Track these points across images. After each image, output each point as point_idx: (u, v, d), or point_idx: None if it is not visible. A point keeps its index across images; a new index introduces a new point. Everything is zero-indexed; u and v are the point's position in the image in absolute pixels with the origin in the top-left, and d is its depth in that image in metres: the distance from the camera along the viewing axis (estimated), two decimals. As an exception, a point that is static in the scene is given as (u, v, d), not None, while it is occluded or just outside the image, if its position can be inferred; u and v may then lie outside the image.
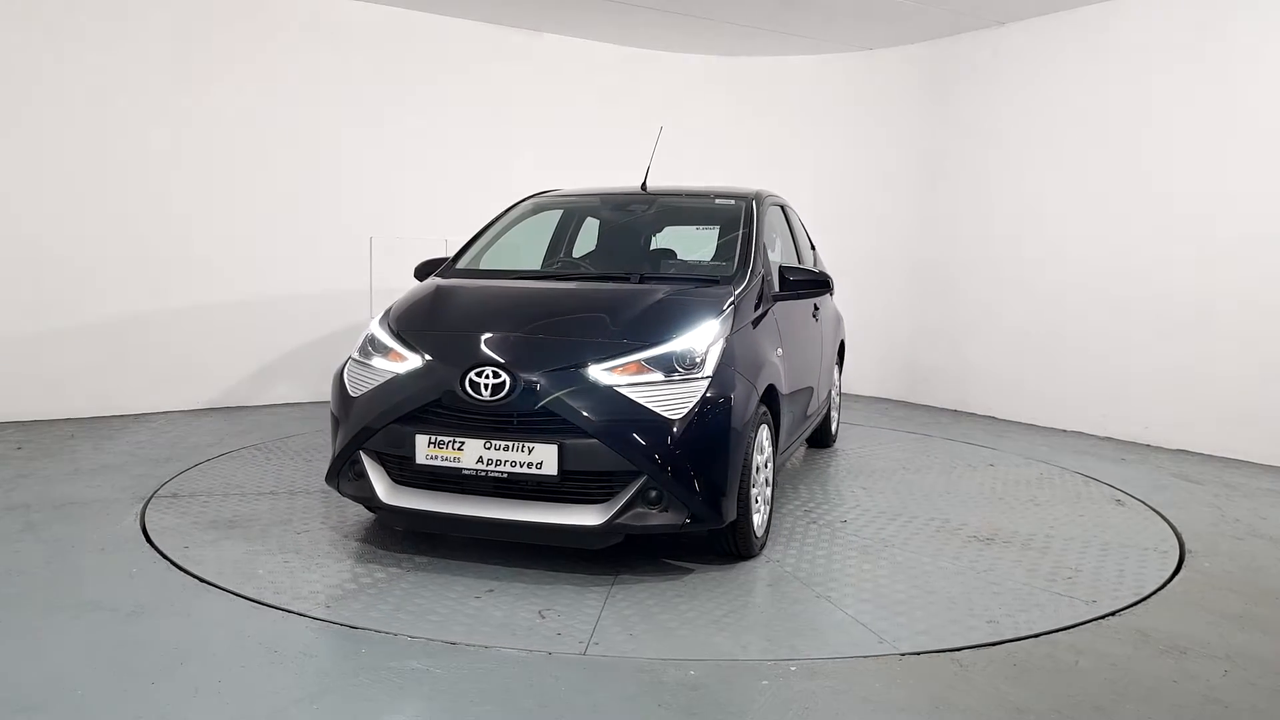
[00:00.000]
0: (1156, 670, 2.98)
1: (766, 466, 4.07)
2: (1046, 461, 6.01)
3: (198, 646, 2.98)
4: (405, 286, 4.76)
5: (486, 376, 3.56)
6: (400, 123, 7.69)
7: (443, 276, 4.60)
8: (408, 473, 3.68)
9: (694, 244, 5.17)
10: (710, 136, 8.80)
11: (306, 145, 7.33)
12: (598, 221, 5.42)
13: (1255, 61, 6.03)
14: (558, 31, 8.28)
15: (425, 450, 3.59)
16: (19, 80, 6.29)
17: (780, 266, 4.60)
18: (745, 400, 3.73)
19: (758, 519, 3.95)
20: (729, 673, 2.89)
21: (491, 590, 3.51)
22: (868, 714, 2.67)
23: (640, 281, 4.25)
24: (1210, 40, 6.25)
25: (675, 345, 3.67)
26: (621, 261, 4.86)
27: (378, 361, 3.86)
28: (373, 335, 4.02)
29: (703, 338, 3.73)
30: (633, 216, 5.29)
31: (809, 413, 5.22)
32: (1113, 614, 3.43)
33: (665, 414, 3.50)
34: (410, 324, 4.00)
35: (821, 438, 6.11)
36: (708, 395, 3.57)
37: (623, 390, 3.53)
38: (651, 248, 5.10)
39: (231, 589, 3.45)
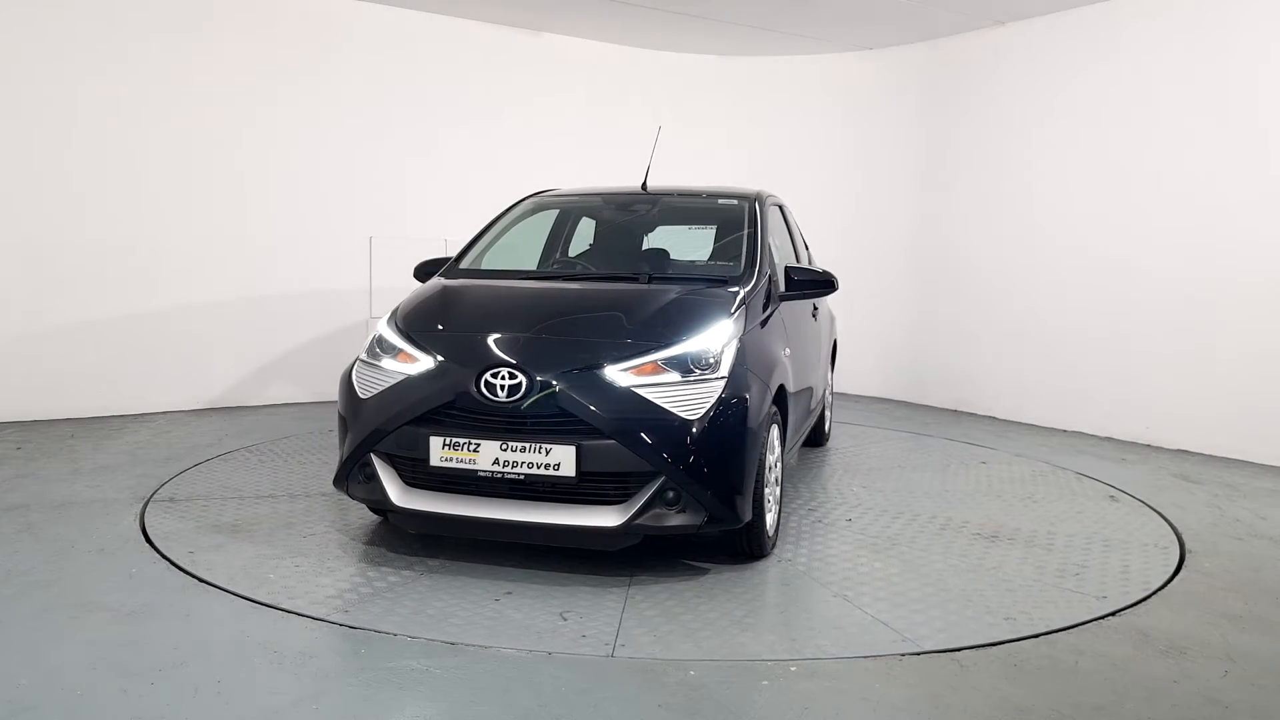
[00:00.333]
0: (1156, 670, 2.98)
1: (776, 466, 4.08)
2: (1037, 459, 6.06)
3: (198, 646, 2.98)
4: (405, 286, 4.76)
5: (502, 378, 3.54)
6: (400, 122, 7.69)
7: (447, 277, 4.56)
8: (420, 475, 3.64)
9: (691, 244, 5.16)
10: (710, 136, 8.80)
11: (306, 145, 7.33)
12: (601, 222, 5.40)
13: (1256, 60, 6.03)
14: (558, 31, 8.28)
15: (440, 452, 3.55)
16: (18, 80, 6.29)
17: (786, 266, 4.61)
18: (760, 400, 3.74)
19: (769, 518, 3.96)
20: (729, 673, 2.89)
21: (509, 593, 3.49)
22: (868, 714, 2.66)
23: (649, 282, 4.24)
24: (1211, 39, 6.25)
25: (691, 345, 3.66)
26: (627, 262, 4.85)
27: (387, 363, 3.82)
28: (381, 336, 3.98)
29: (717, 338, 3.73)
30: (636, 216, 5.28)
31: (810, 411, 5.25)
32: (1113, 614, 3.43)
33: (684, 415, 3.49)
34: (420, 325, 3.96)
35: (816, 436, 6.13)
36: (724, 396, 3.57)
37: (640, 391, 3.52)
38: (657, 248, 5.09)
39: (244, 594, 3.40)
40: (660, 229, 5.39)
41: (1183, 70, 6.39)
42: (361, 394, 3.81)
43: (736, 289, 4.14)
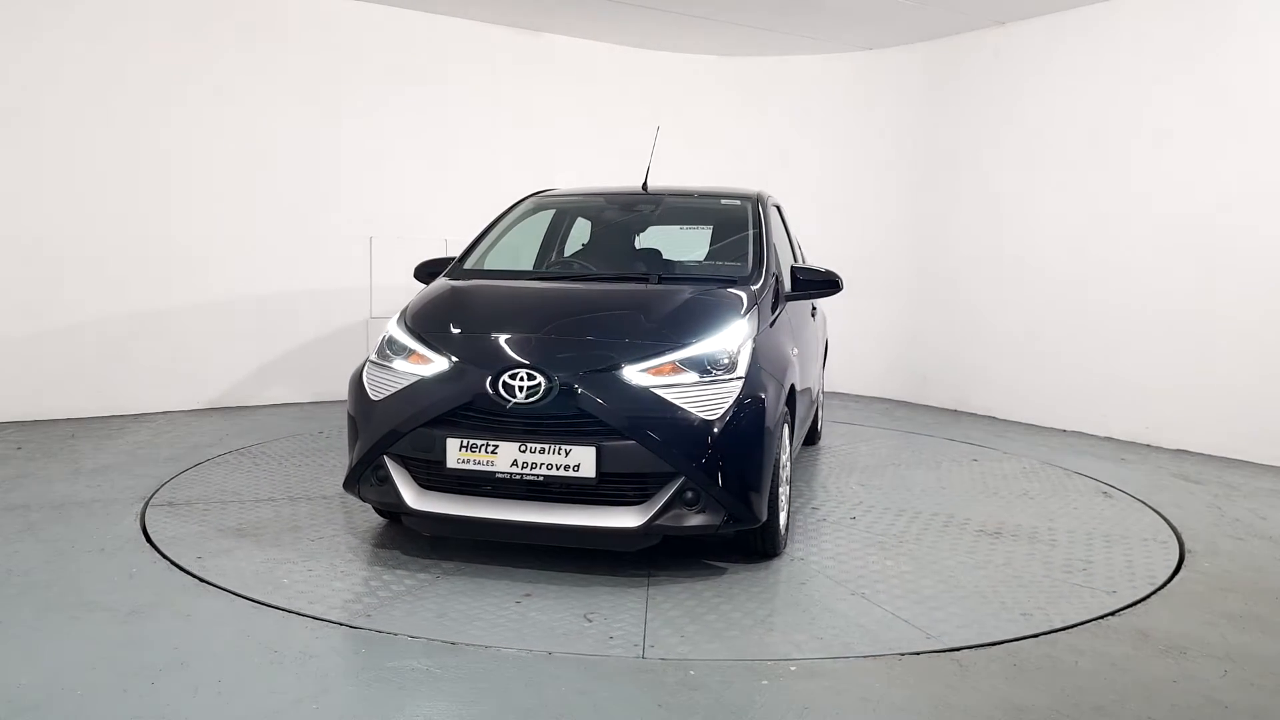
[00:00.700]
0: (1156, 670, 2.98)
1: (787, 465, 4.10)
2: (1028, 456, 6.11)
3: (198, 646, 2.98)
4: (405, 286, 4.75)
5: (521, 379, 3.52)
6: (400, 123, 7.69)
7: (452, 277, 4.53)
8: (436, 477, 3.61)
9: (695, 244, 5.16)
10: (710, 136, 8.80)
11: (307, 145, 7.33)
12: (605, 222, 5.38)
13: (1256, 60, 6.03)
14: (558, 31, 8.28)
15: (457, 454, 3.52)
16: (19, 80, 6.29)
17: (792, 266, 4.61)
18: (775, 400, 3.75)
19: (783, 517, 3.97)
20: (729, 673, 2.89)
21: (528, 594, 3.48)
22: (867, 714, 2.66)
23: (658, 282, 4.24)
24: (1211, 39, 6.25)
25: (708, 346, 3.67)
26: (634, 262, 4.85)
27: (399, 364, 3.78)
28: (392, 337, 3.94)
29: (733, 338, 3.74)
30: (640, 216, 5.28)
31: (810, 410, 5.26)
32: (1114, 614, 3.44)
33: (704, 415, 3.49)
34: (432, 325, 3.93)
35: (810, 435, 6.15)
36: (742, 396, 3.57)
37: (659, 391, 3.51)
38: (661, 248, 5.09)
39: (261, 600, 3.36)
40: (665, 229, 5.39)
41: (1183, 70, 6.39)
42: (373, 395, 3.77)
43: (748, 289, 4.14)
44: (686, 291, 4.07)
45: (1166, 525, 4.63)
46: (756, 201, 4.91)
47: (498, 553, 3.89)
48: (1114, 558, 4.10)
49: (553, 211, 5.31)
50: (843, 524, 4.50)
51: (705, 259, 4.89)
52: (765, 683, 2.83)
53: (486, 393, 3.53)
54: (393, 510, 3.81)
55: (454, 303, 4.17)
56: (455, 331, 3.87)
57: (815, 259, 6.09)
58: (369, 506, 4.36)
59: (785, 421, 3.97)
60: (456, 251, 4.95)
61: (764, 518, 3.64)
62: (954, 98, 7.94)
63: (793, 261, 5.48)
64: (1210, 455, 6.22)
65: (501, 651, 3.00)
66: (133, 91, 6.66)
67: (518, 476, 3.49)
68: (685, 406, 3.49)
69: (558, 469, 3.46)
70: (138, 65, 6.67)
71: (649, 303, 3.98)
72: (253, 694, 2.68)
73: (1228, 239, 6.15)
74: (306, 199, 7.36)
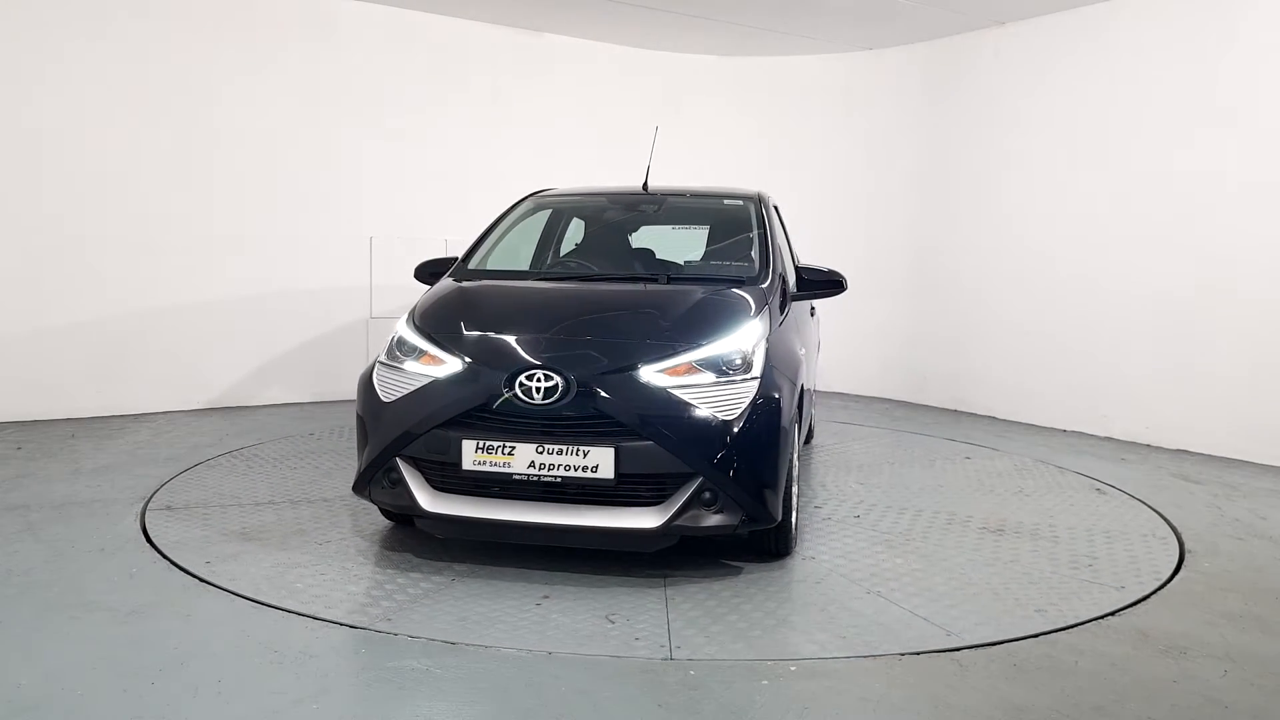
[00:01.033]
0: (1156, 670, 2.98)
1: (795, 464, 4.10)
2: (1019, 454, 6.17)
3: (198, 646, 2.98)
4: (405, 286, 4.75)
5: (538, 380, 3.50)
6: (400, 122, 7.69)
7: (457, 277, 4.50)
8: (451, 479, 3.58)
9: (685, 244, 5.16)
10: (710, 136, 8.80)
11: (307, 145, 7.33)
12: (608, 222, 5.36)
13: (1256, 60, 6.03)
14: (558, 31, 8.28)
15: (473, 456, 3.50)
16: (19, 80, 6.29)
17: (797, 266, 4.62)
18: (790, 400, 3.75)
19: (794, 517, 3.98)
20: (729, 673, 2.89)
21: (547, 596, 3.47)
22: (867, 714, 2.66)
23: (668, 282, 4.24)
24: (1211, 39, 6.24)
25: (723, 346, 3.67)
26: (640, 262, 4.85)
27: (410, 365, 3.75)
28: (401, 338, 3.91)
29: (748, 338, 3.74)
30: (643, 216, 5.28)
31: (810, 409, 5.27)
32: (1114, 614, 3.44)
33: (722, 416, 3.49)
34: (442, 326, 3.90)
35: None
36: (758, 396, 3.57)
37: (677, 392, 3.51)
38: (656, 248, 5.09)
39: (275, 604, 3.32)
40: (662, 229, 5.38)
41: (1183, 70, 6.39)
42: (384, 397, 3.73)
43: (758, 289, 4.14)
44: (699, 292, 4.06)
45: (1163, 521, 4.68)
46: (759, 201, 4.92)
47: (510, 554, 3.87)
48: (1116, 553, 4.14)
49: (555, 212, 5.30)
50: (847, 522, 4.52)
51: (706, 259, 4.87)
52: (765, 683, 2.83)
53: (503, 394, 3.51)
54: (406, 513, 3.77)
55: (464, 303, 4.15)
56: (467, 332, 3.83)
57: (814, 259, 6.09)
58: (372, 509, 4.36)
59: (796, 421, 3.97)
60: (456, 251, 4.94)
61: (779, 517, 3.64)
62: (954, 98, 7.94)
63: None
64: (1210, 455, 6.22)
65: (501, 651, 3.00)
66: (132, 92, 6.66)
67: (535, 478, 3.47)
68: (703, 407, 3.49)
69: (576, 470, 3.44)
70: (137, 66, 6.67)
71: (661, 303, 3.98)
72: (253, 694, 2.68)
73: (1228, 239, 6.14)
74: (306, 199, 7.36)
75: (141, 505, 4.50)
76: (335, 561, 3.79)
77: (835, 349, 7.74)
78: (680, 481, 3.46)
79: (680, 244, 5.17)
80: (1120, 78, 6.75)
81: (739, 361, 3.63)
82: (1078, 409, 7.02)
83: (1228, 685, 2.89)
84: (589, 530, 3.49)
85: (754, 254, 4.52)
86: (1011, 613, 3.42)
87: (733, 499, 3.47)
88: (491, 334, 3.81)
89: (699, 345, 3.65)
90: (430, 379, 3.67)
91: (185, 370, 6.97)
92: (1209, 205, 6.25)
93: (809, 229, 7.62)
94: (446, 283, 4.44)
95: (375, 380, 3.83)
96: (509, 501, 3.54)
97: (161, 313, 6.86)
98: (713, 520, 3.47)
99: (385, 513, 4.17)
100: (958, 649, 3.10)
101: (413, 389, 3.68)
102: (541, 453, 3.46)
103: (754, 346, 3.71)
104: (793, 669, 2.92)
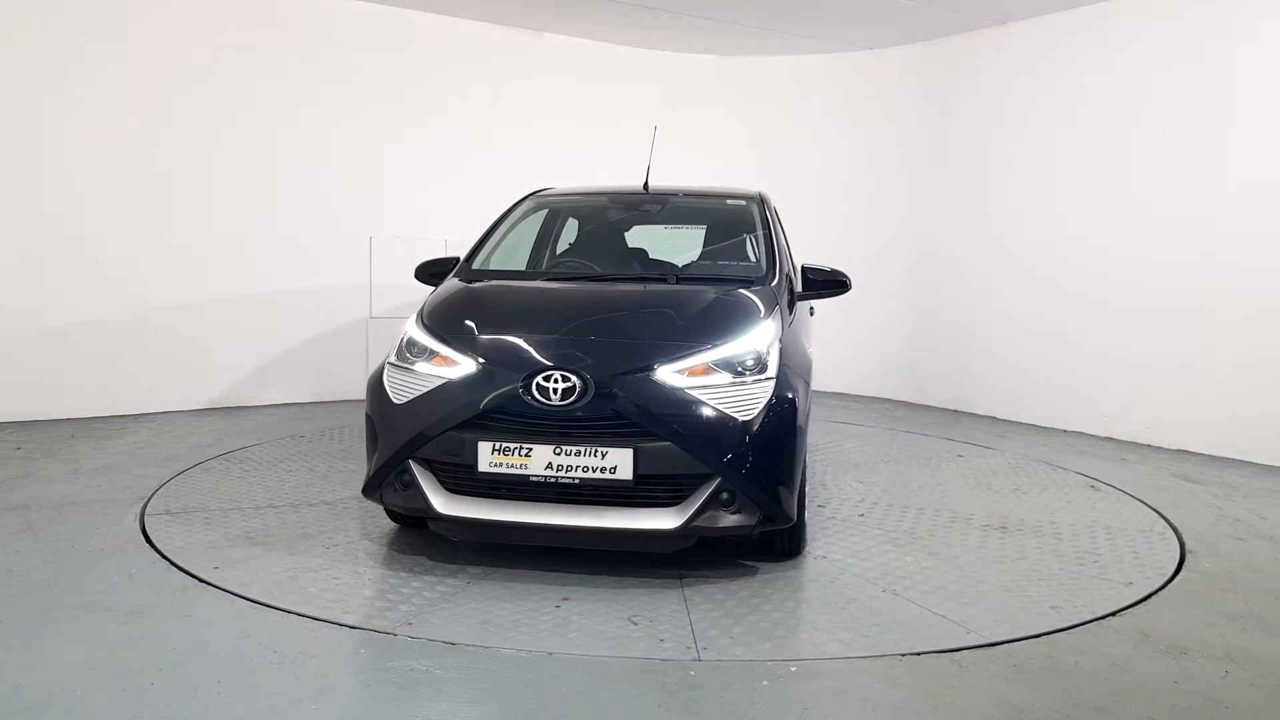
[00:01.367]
0: (1157, 670, 2.98)
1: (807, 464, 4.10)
2: (1007, 451, 6.22)
3: (198, 646, 2.98)
4: (405, 286, 4.73)
5: (555, 380, 3.47)
6: (400, 122, 7.69)
7: (463, 277, 4.46)
8: (466, 481, 3.55)
9: (688, 244, 5.16)
10: (710, 136, 8.79)
11: (307, 145, 7.33)
12: (611, 221, 5.32)
13: (1258, 59, 6.02)
14: (558, 31, 8.28)
15: (489, 457, 3.47)
16: (19, 80, 6.29)
17: (802, 266, 4.61)
18: (804, 399, 3.76)
19: (806, 515, 3.99)
20: (729, 673, 2.89)
21: (566, 598, 3.45)
22: (867, 714, 2.66)
23: (677, 282, 4.23)
24: (1213, 38, 6.24)
25: (739, 346, 3.66)
26: (645, 262, 4.82)
27: (422, 366, 3.71)
28: (412, 339, 3.86)
29: (763, 338, 3.74)
30: (647, 216, 5.27)
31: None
32: (1114, 614, 3.44)
33: (740, 416, 3.48)
34: (454, 327, 3.86)
35: None
36: (774, 396, 3.57)
37: (695, 392, 3.50)
38: (666, 248, 5.08)
39: (293, 610, 3.28)
40: (659, 229, 5.37)
41: (1183, 70, 6.38)
42: (396, 399, 3.68)
43: (768, 289, 4.14)
44: (711, 292, 4.06)
45: (1160, 517, 4.73)
46: (761, 201, 4.92)
47: (523, 557, 3.84)
48: (1119, 549, 4.18)
49: (558, 211, 5.28)
50: (852, 521, 4.53)
51: (713, 259, 4.85)
52: (765, 683, 2.82)
53: (519, 395, 3.49)
54: (418, 515, 3.71)
55: (475, 304, 4.12)
56: (480, 333, 3.80)
57: (814, 259, 6.09)
58: (374, 511, 4.34)
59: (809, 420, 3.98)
60: (456, 251, 4.93)
61: (795, 517, 3.65)
62: (954, 98, 7.94)
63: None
64: (1210, 455, 6.21)
65: (501, 652, 2.99)
66: (132, 93, 6.65)
67: (553, 480, 3.45)
68: (721, 408, 3.49)
69: (594, 471, 3.42)
70: (137, 67, 6.66)
71: (673, 303, 3.97)
72: (252, 694, 2.68)
73: (1229, 239, 6.14)
74: (306, 199, 7.35)
75: (141, 506, 4.49)
76: (347, 565, 3.76)
77: (835, 349, 7.73)
78: (698, 482, 3.45)
79: (681, 244, 5.17)
80: (1120, 77, 6.74)
81: (754, 362, 3.63)
82: (1078, 409, 7.02)
83: (1228, 685, 2.89)
84: (608, 532, 3.47)
85: (760, 254, 4.52)
86: (1027, 609, 3.44)
87: (750, 499, 3.47)
88: (505, 335, 3.78)
89: (714, 346, 3.64)
90: (444, 380, 3.63)
91: (185, 370, 6.97)
92: (1209, 205, 6.24)
93: (809, 229, 7.61)
94: (453, 283, 4.40)
95: (386, 382, 3.78)
96: (526, 503, 3.52)
97: (161, 312, 6.86)
98: (730, 521, 3.47)
99: (392, 515, 4.14)
100: (971, 647, 3.10)
101: (425, 390, 3.64)
102: (559, 454, 3.44)
103: (768, 347, 3.71)
104: (793, 669, 2.92)
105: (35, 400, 6.44)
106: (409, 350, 3.83)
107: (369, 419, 3.82)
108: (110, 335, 6.68)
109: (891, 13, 7.33)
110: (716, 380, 3.54)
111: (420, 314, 4.05)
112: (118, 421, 6.49)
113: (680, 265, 4.70)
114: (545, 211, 5.24)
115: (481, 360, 3.63)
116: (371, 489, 3.75)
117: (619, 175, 6.74)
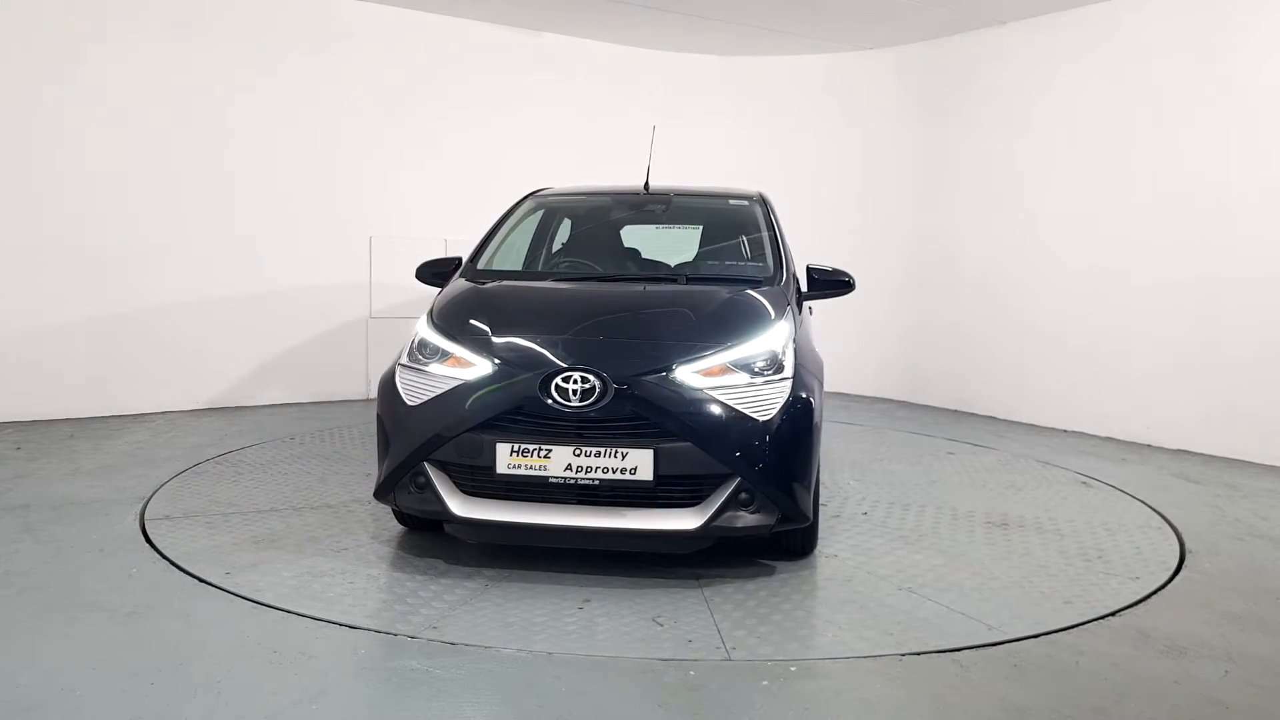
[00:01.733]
0: (1157, 670, 2.98)
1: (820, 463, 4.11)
2: (999, 449, 6.27)
3: (197, 646, 2.98)
4: (405, 286, 4.73)
5: (575, 381, 3.45)
6: (400, 122, 7.69)
7: (469, 278, 4.43)
8: (483, 483, 3.52)
9: (678, 244, 5.15)
10: (710, 136, 8.80)
11: (307, 145, 7.33)
12: (614, 222, 5.29)
13: (1257, 59, 6.02)
14: (558, 31, 8.28)
15: (507, 459, 3.43)
16: (18, 80, 6.29)
17: (808, 266, 4.61)
18: (819, 398, 3.76)
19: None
20: (729, 673, 2.89)
21: (588, 600, 3.44)
22: (867, 714, 2.66)
23: (686, 282, 4.23)
24: (1212, 38, 6.24)
25: (756, 346, 3.66)
26: (643, 262, 4.81)
27: (435, 368, 3.67)
28: (424, 340, 3.81)
29: (778, 338, 3.74)
30: (649, 215, 5.26)
31: None
32: (1114, 614, 3.43)
33: (759, 416, 3.48)
34: (467, 328, 3.81)
35: None
36: (791, 396, 3.57)
37: (714, 393, 3.49)
38: (672, 248, 5.07)
39: (313, 615, 3.24)
40: (656, 229, 5.37)
41: (1183, 70, 6.38)
42: (409, 401, 3.63)
43: (778, 289, 4.13)
44: (723, 292, 4.06)
45: (1155, 513, 4.78)
46: (763, 201, 4.92)
47: (539, 559, 3.81)
48: (1121, 545, 4.22)
49: (560, 212, 5.26)
50: (857, 520, 4.53)
51: (720, 259, 4.84)
52: (765, 683, 2.82)
53: (538, 396, 3.45)
54: (433, 518, 3.67)
55: (486, 304, 4.08)
56: (494, 334, 3.76)
57: (814, 259, 6.09)
58: (380, 514, 4.33)
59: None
60: (456, 251, 4.92)
61: (811, 516, 3.65)
62: (954, 98, 7.94)
63: None
64: (1210, 455, 6.21)
65: (501, 652, 2.99)
66: (132, 93, 6.65)
67: (572, 481, 3.43)
68: (740, 408, 3.48)
69: (614, 472, 3.40)
70: (137, 67, 6.66)
71: (687, 303, 3.97)
72: (252, 694, 2.68)
73: (1228, 239, 6.14)
74: (306, 199, 7.35)
75: (141, 506, 4.49)
76: (360, 569, 3.71)
77: (835, 349, 7.70)
78: (717, 482, 3.45)
79: (683, 244, 5.17)
80: (1121, 77, 6.74)
81: (771, 362, 3.63)
82: (1078, 409, 7.02)
83: (1228, 685, 2.89)
84: (629, 533, 3.45)
85: (767, 254, 4.52)
86: (1041, 605, 3.45)
87: (770, 499, 3.47)
88: (520, 336, 3.74)
89: (731, 346, 3.64)
90: (459, 381, 3.59)
91: (185, 370, 6.97)
92: (1210, 204, 6.24)
93: (808, 228, 7.61)
94: (461, 283, 4.36)
95: (398, 383, 3.73)
96: (544, 505, 3.49)
97: (161, 313, 6.86)
98: (749, 520, 3.46)
99: (400, 518, 4.11)
100: (1001, 643, 3.12)
101: (440, 392, 3.60)
102: (579, 455, 3.41)
103: (784, 347, 3.71)
104: (793, 669, 2.92)
105: (35, 400, 6.43)
106: (421, 351, 3.79)
107: (381, 421, 3.78)
108: (110, 335, 6.67)
109: (891, 13, 7.33)
110: (734, 380, 3.54)
111: (431, 315, 4.01)
112: (117, 421, 6.49)
113: (690, 265, 4.70)
114: (550, 213, 5.22)
115: (497, 361, 3.60)
116: (384, 492, 3.70)
117: (618, 175, 6.74)
